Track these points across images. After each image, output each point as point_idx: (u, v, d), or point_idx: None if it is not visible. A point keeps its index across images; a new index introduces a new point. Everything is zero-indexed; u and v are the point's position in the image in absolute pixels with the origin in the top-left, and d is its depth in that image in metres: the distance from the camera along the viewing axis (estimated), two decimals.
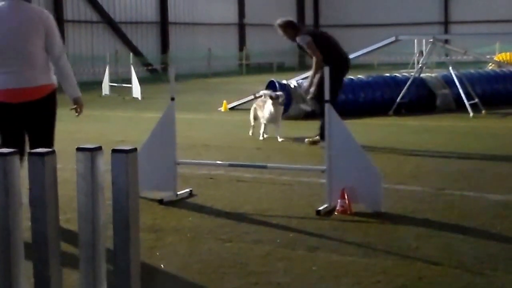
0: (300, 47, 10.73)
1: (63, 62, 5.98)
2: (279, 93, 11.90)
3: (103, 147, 3.08)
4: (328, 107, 6.51)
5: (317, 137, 10.50)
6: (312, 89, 10.47)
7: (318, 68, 10.19)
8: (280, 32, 10.83)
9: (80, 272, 3.09)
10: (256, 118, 11.90)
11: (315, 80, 10.36)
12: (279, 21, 10.96)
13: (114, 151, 2.97)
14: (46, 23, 5.86)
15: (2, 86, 5.83)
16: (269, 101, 11.41)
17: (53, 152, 2.97)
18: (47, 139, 5.96)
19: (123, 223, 2.98)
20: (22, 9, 5.82)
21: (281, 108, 11.62)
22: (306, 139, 10.82)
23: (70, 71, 6.10)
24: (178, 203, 6.96)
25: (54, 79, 6.03)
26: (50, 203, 2.95)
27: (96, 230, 3.03)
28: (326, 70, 6.60)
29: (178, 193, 7.17)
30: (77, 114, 6.24)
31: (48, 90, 5.94)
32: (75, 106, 6.15)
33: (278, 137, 11.39)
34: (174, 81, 7.48)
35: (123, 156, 2.95)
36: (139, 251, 3.13)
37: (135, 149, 2.98)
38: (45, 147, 6.37)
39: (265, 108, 11.51)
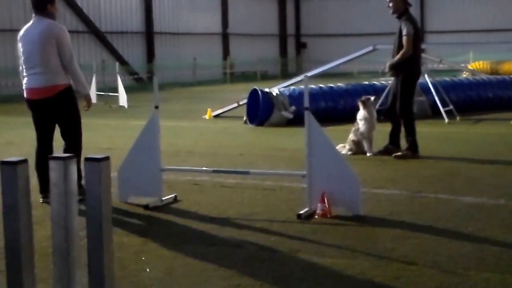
0: (399, 29, 10.05)
1: (72, 68, 7.27)
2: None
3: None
4: (307, 115, 6.74)
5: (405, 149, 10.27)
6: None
7: (401, 59, 9.90)
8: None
9: (54, 280, 3.07)
10: (358, 144, 10.77)
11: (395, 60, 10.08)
12: None
13: (87, 159, 2.99)
14: (57, 36, 7.19)
15: (27, 85, 7.34)
16: (362, 109, 10.77)
17: (25, 160, 3.00)
18: (68, 131, 7.36)
19: (97, 230, 2.99)
20: (40, 24, 7.22)
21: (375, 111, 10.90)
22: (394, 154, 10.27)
23: (79, 74, 7.33)
24: (164, 208, 7.15)
25: (66, 80, 7.29)
26: (22, 211, 2.96)
27: (69, 237, 3.00)
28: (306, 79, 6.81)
29: (163, 198, 7.36)
30: (86, 108, 7.51)
31: (59, 89, 7.23)
32: (85, 102, 7.48)
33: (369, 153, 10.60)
34: (159, 90, 7.69)
35: (96, 164, 2.96)
36: (113, 257, 3.15)
37: (107, 158, 2.98)
38: (68, 139, 7.35)
39: (359, 120, 10.73)
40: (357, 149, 10.62)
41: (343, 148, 10.63)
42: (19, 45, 7.39)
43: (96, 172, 2.96)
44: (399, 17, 10.08)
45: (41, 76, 7.23)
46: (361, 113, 10.70)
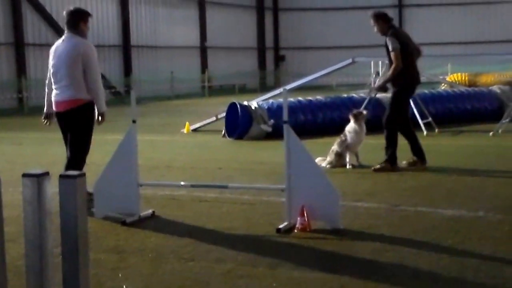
0: (386, 46, 10.15)
1: (95, 86, 7.61)
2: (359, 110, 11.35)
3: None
4: (286, 128, 6.71)
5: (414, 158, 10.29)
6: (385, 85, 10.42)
7: (393, 75, 9.94)
8: (371, 22, 10.38)
9: None
10: (340, 157, 10.72)
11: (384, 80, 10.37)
12: (374, 11, 10.51)
13: (62, 176, 2.94)
14: (84, 54, 7.56)
15: (54, 98, 7.76)
16: (352, 123, 10.84)
17: None
18: (76, 143, 7.67)
19: (72, 248, 2.93)
20: (70, 42, 7.64)
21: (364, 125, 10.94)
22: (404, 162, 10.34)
23: (100, 92, 7.68)
24: (141, 224, 7.08)
25: (89, 96, 7.61)
26: None
27: (43, 256, 2.95)
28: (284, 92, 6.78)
29: (141, 214, 7.28)
30: (98, 123, 7.78)
31: (79, 103, 7.59)
32: (99, 117, 7.72)
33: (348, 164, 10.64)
34: (136, 104, 7.64)
35: (71, 182, 2.90)
36: (89, 276, 3.08)
37: (83, 174, 2.95)
38: (74, 150, 7.54)
39: (348, 132, 10.77)
40: (338, 162, 10.59)
41: (323, 161, 10.61)
42: (50, 58, 7.85)
43: (71, 189, 2.90)
44: (385, 35, 10.16)
45: (66, 90, 7.63)
46: (352, 126, 10.74)
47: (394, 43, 9.88)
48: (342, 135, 10.80)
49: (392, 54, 9.86)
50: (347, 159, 10.54)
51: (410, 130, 10.23)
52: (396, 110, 10.04)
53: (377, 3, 57.14)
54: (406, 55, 9.90)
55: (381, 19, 10.20)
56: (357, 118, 10.75)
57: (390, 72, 9.97)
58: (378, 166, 10.00)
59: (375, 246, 6.02)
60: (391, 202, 7.81)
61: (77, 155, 7.68)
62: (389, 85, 10.37)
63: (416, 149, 10.21)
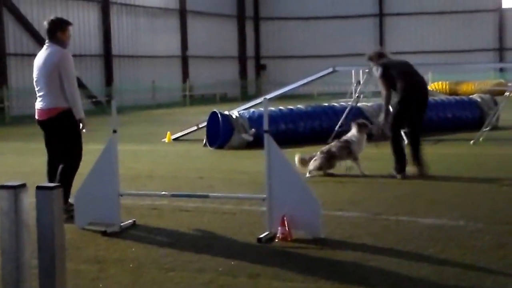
0: None
1: (70, 93, 7.71)
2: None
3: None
4: (267, 137, 6.71)
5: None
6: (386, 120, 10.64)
7: (385, 103, 10.47)
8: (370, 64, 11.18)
9: None
10: (332, 166, 10.79)
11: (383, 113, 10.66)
12: (367, 56, 11.10)
13: (39, 188, 2.91)
14: (59, 63, 7.71)
15: (36, 106, 7.97)
16: (355, 131, 10.87)
17: None
18: (63, 151, 7.84)
19: (49, 262, 2.91)
20: (46, 51, 7.86)
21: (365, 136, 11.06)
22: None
23: (75, 99, 7.77)
24: (122, 234, 7.03)
25: (67, 103, 7.74)
26: None
27: (20, 268, 2.92)
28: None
29: (122, 224, 7.24)
30: (83, 130, 7.91)
31: (57, 111, 7.75)
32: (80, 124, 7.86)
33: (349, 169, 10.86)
34: (118, 113, 7.61)
35: (48, 193, 2.88)
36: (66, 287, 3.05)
37: (59, 186, 2.93)
38: (63, 158, 7.69)
39: (353, 142, 10.75)
40: (327, 165, 10.65)
41: (306, 162, 10.67)
42: (34, 69, 8.06)
43: (48, 201, 2.87)
44: None
45: (45, 99, 7.83)
46: (355, 135, 10.79)
47: (378, 71, 10.42)
48: (342, 141, 10.85)
49: (379, 82, 10.46)
50: (358, 169, 10.62)
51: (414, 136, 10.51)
52: (393, 119, 10.41)
53: (358, 13, 57.75)
54: (396, 77, 10.28)
55: (371, 59, 10.89)
56: (360, 128, 10.83)
57: (383, 102, 10.55)
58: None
59: (356, 255, 6.02)
60: (372, 211, 7.82)
61: (66, 163, 7.81)
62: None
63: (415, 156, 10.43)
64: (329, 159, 10.65)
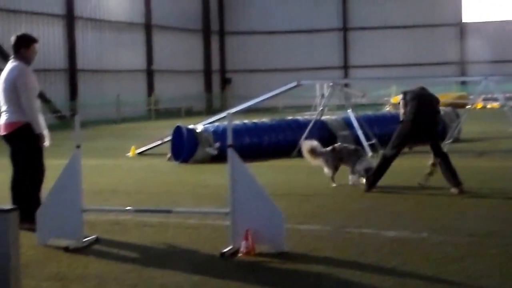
0: None
1: (27, 108, 7.78)
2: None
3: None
4: (230, 152, 6.71)
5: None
6: None
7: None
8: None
9: None
10: (337, 168, 10.96)
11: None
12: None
13: None
14: (15, 77, 7.81)
15: (0, 121, 8.05)
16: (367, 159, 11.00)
17: None
18: (17, 164, 7.96)
19: (4, 284, 2.84)
20: (8, 67, 7.96)
21: None
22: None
23: (32, 114, 7.82)
24: (84, 250, 6.96)
25: (24, 119, 7.81)
26: None
27: None
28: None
29: (84, 240, 7.17)
30: (44, 145, 8.00)
31: (17, 126, 7.85)
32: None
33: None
34: (82, 128, 7.57)
35: (4, 216, 2.84)
36: None
37: (16, 209, 2.87)
38: (17, 172, 7.86)
39: (362, 161, 10.72)
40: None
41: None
42: None
43: (3, 224, 2.80)
44: None
45: (6, 114, 7.95)
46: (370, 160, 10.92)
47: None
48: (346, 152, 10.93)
49: None
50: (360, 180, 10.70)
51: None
52: (393, 142, 10.50)
53: (322, 27, 58.25)
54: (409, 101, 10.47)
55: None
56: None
57: None
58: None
59: (319, 268, 6.04)
60: (336, 224, 7.86)
61: (27, 178, 7.88)
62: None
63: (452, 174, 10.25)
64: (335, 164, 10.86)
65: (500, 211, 8.54)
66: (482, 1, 58.98)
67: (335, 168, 10.84)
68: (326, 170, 10.91)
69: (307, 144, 11.20)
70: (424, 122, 10.34)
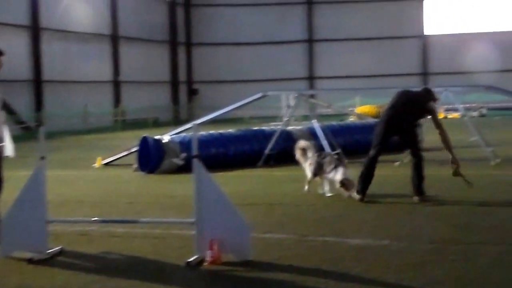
0: None
1: None
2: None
3: None
4: (195, 162, 6.78)
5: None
6: None
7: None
8: None
9: None
10: (318, 174, 11.01)
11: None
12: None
13: None
14: None
15: None
16: (342, 172, 10.68)
17: None
18: None
19: None
20: None
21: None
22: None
23: None
24: (48, 261, 6.93)
25: None
26: None
27: None
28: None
29: (49, 251, 7.15)
30: (6, 156, 7.94)
31: None
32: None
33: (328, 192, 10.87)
34: (48, 139, 7.56)
35: None
36: None
37: None
38: None
39: (339, 171, 10.64)
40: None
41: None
42: None
43: None
44: None
45: None
46: (338, 176, 10.63)
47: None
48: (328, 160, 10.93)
49: None
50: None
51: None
52: (375, 142, 10.54)
53: (288, 38, 58.64)
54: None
55: None
56: (346, 187, 10.55)
57: None
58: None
59: (284, 276, 6.12)
60: (300, 233, 7.95)
61: None
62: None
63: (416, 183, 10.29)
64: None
65: (459, 218, 8.71)
66: (443, 15, 60.21)
67: (314, 174, 10.94)
68: (307, 173, 11.07)
69: (301, 143, 11.51)
70: (397, 121, 10.42)
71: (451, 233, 7.75)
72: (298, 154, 11.40)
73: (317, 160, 10.95)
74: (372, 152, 10.47)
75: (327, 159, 10.93)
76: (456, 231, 7.89)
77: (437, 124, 10.46)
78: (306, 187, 11.00)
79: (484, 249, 6.90)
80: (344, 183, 10.43)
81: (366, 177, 10.28)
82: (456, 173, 10.42)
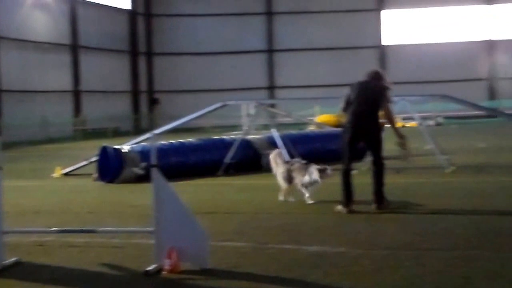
0: None
1: None
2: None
3: None
4: (154, 172, 6.82)
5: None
6: None
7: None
8: None
9: None
10: (291, 181, 11.10)
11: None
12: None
13: None
14: None
15: None
16: (315, 170, 10.85)
17: None
18: None
19: None
20: None
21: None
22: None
23: None
24: (4, 273, 6.86)
25: None
26: None
27: None
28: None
29: (4, 262, 7.09)
30: None
31: None
32: None
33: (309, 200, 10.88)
34: (6, 149, 7.53)
35: None
36: None
37: None
38: None
39: (308, 175, 10.80)
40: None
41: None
42: None
43: None
44: None
45: None
46: (315, 174, 10.78)
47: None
48: (297, 165, 11.03)
49: None
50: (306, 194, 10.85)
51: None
52: (343, 151, 10.32)
53: (249, 48, 58.89)
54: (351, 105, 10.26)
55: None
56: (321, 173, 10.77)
57: None
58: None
59: (241, 284, 6.18)
60: (259, 240, 8.02)
61: None
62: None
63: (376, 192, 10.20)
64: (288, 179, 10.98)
65: (414, 224, 8.87)
66: (400, 25, 61.16)
67: (288, 182, 11.00)
68: (280, 181, 11.12)
69: (275, 152, 11.55)
70: (363, 122, 10.19)
71: (406, 239, 7.89)
72: (272, 163, 11.40)
73: (287, 168, 11.03)
74: (343, 167, 10.25)
75: (296, 166, 11.00)
76: (410, 236, 8.03)
77: (388, 100, 10.46)
78: (281, 197, 11.03)
79: (438, 255, 7.05)
80: (321, 169, 10.70)
81: (346, 190, 10.07)
82: (400, 145, 10.57)
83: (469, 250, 7.22)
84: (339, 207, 10.02)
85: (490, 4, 60.84)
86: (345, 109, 10.39)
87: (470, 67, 59.18)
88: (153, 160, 6.87)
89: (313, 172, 10.79)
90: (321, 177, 10.81)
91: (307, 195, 10.84)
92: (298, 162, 11.32)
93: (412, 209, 10.09)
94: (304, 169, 10.88)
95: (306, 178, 10.78)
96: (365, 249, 7.42)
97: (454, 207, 10.12)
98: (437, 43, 60.18)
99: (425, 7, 60.75)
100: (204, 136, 19.85)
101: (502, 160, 17.81)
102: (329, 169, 11.02)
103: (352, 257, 7.09)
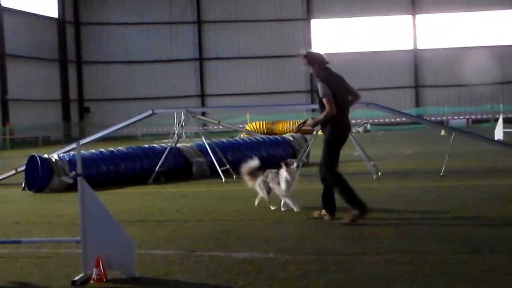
0: (317, 91, 9.57)
1: None
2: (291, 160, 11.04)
3: None
4: (80, 181, 6.80)
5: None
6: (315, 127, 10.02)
7: (325, 119, 9.40)
8: (304, 62, 9.75)
9: None
10: (269, 192, 10.93)
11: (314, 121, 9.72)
12: (308, 52, 9.74)
13: None
14: None
15: None
16: (284, 170, 10.57)
17: None
18: None
19: None
20: None
21: (297, 174, 10.63)
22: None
23: None
24: None
25: None
26: None
27: None
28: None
29: None
30: None
31: None
32: None
33: (295, 208, 10.62)
34: None
35: None
36: None
37: None
38: None
39: (281, 179, 10.60)
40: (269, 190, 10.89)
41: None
42: None
43: None
44: (318, 78, 9.55)
45: None
46: (283, 174, 10.59)
47: (325, 89, 9.34)
48: (271, 175, 10.86)
49: (324, 100, 9.35)
50: (291, 204, 10.65)
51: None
52: (331, 159, 9.56)
53: (179, 57, 58.89)
54: (337, 104, 9.41)
55: (317, 62, 9.67)
56: (288, 166, 10.60)
57: (322, 115, 9.42)
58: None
59: None
60: (188, 248, 8.06)
61: None
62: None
63: (328, 202, 9.84)
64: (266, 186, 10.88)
65: (340, 229, 9.02)
66: (330, 34, 62.28)
67: (267, 192, 10.93)
68: (260, 193, 11.05)
69: (246, 166, 11.23)
70: (349, 125, 9.75)
71: (331, 244, 8.06)
72: (246, 178, 11.20)
73: (263, 180, 10.98)
74: (335, 173, 9.57)
75: (270, 176, 10.90)
76: (336, 241, 8.20)
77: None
78: (272, 207, 10.89)
79: (363, 259, 7.22)
80: (288, 164, 10.54)
81: (349, 194, 9.51)
82: (299, 129, 10.52)
83: (392, 253, 7.43)
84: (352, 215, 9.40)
85: (414, 15, 62.69)
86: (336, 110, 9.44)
87: (398, 75, 60.69)
88: (79, 169, 6.86)
89: (283, 175, 10.59)
90: (291, 174, 10.51)
91: (291, 204, 10.64)
92: (269, 171, 11.03)
93: (338, 214, 10.24)
94: (277, 177, 10.74)
95: (283, 185, 10.63)
96: (292, 254, 7.54)
97: (379, 212, 10.35)
98: (367, 52, 61.47)
99: (353, 16, 62.06)
100: (134, 145, 19.74)
101: (426, 166, 18.29)
102: (294, 162, 10.80)
103: (279, 263, 7.20)
